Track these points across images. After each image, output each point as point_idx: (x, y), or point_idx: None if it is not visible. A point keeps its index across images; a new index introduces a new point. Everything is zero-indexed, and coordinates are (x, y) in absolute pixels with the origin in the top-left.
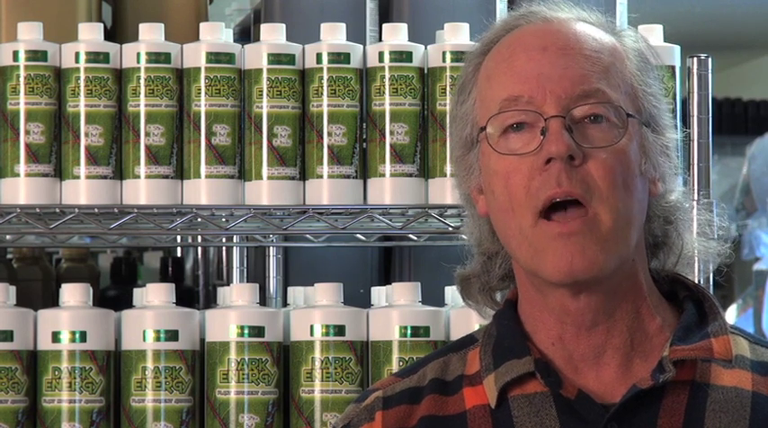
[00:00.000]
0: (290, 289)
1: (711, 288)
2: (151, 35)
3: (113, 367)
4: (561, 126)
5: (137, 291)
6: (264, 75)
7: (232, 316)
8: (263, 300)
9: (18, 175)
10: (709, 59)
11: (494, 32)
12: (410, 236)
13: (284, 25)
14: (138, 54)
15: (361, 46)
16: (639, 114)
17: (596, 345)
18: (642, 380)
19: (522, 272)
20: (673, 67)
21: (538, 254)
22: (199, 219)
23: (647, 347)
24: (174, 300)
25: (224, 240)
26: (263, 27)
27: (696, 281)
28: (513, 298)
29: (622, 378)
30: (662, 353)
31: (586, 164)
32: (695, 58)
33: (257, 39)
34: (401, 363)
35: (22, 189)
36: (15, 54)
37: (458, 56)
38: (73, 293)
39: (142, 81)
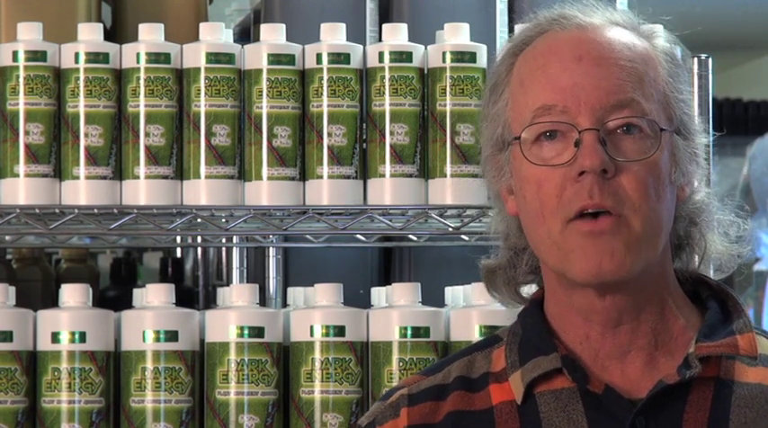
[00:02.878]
0: (290, 290)
1: None
2: (151, 35)
3: (113, 367)
4: (595, 139)
5: (136, 292)
6: (264, 75)
7: (232, 316)
8: (263, 301)
9: (17, 176)
10: (710, 59)
11: (526, 33)
12: (410, 236)
13: (284, 25)
14: (138, 54)
15: (361, 46)
16: (671, 123)
17: (621, 344)
18: (669, 376)
19: (549, 272)
20: None
21: (566, 256)
22: (198, 220)
23: (671, 347)
24: (174, 301)
25: (224, 241)
26: (263, 27)
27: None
28: (539, 298)
29: (648, 374)
30: (687, 351)
31: (619, 177)
32: (695, 58)
33: (257, 39)
34: (401, 364)
35: (22, 189)
36: (15, 54)
37: (458, 56)
38: (72, 294)
39: (142, 81)
